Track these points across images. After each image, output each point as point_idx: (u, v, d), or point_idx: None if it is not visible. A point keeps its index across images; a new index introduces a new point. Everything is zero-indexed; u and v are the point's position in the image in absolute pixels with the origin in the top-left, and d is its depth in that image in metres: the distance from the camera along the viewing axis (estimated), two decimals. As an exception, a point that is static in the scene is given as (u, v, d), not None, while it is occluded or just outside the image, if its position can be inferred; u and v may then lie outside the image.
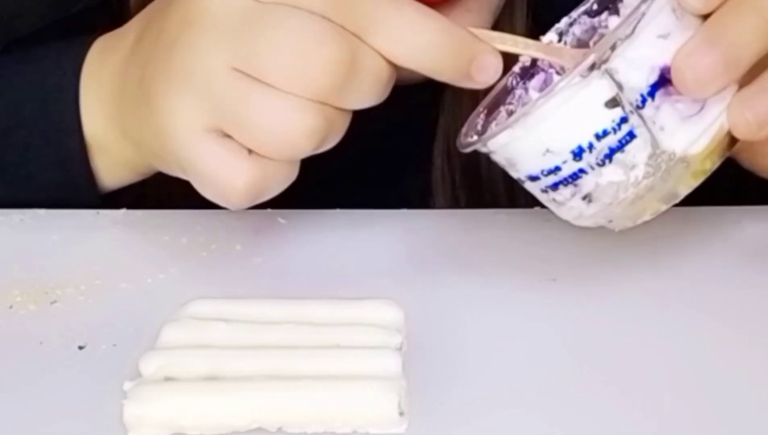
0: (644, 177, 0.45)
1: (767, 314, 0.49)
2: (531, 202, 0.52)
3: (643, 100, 0.44)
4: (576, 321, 0.49)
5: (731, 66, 0.44)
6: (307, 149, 0.47)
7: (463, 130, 0.50)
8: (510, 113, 0.50)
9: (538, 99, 0.44)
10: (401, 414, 0.41)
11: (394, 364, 0.42)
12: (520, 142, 0.45)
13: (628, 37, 0.43)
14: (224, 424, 0.41)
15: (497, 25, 0.62)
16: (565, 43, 0.51)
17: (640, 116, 0.44)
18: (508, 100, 0.51)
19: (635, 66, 0.43)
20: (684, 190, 0.46)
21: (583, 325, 0.48)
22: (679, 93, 0.44)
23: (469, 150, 0.48)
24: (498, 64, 0.47)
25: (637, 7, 0.43)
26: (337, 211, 0.60)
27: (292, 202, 0.62)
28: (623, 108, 0.44)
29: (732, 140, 0.46)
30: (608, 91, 0.43)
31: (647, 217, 0.47)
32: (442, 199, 0.69)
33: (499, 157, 0.47)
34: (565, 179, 0.46)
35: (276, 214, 0.60)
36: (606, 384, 0.44)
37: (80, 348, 0.47)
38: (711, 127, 0.45)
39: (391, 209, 0.60)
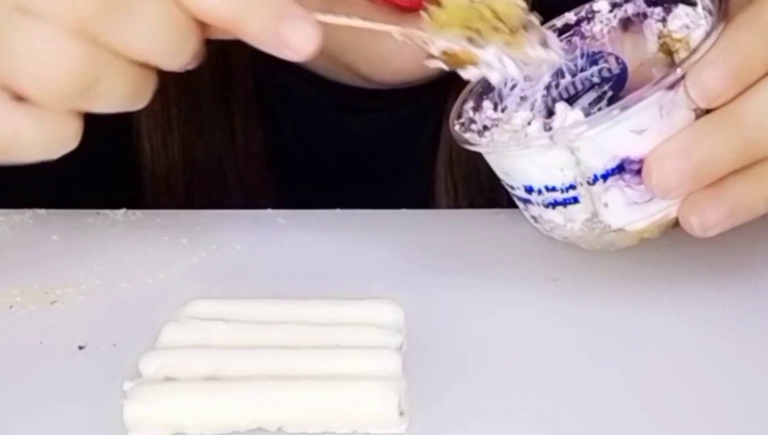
0: (579, 231, 0.47)
1: None
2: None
3: (595, 179, 0.45)
4: (576, 321, 0.49)
5: (699, 178, 0.44)
6: (67, 86, 0.42)
7: (458, 102, 0.50)
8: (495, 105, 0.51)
9: (506, 141, 0.47)
10: (401, 414, 0.41)
11: (393, 364, 0.42)
12: (489, 156, 0.48)
13: (605, 122, 0.43)
14: (224, 424, 0.41)
15: None
16: (615, 16, 0.51)
17: (588, 190, 0.45)
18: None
19: (598, 151, 0.44)
20: (621, 246, 0.48)
21: (583, 325, 0.48)
22: (633, 182, 0.45)
23: (455, 135, 0.49)
24: (314, 33, 0.43)
25: (626, 102, 0.43)
26: (337, 211, 0.60)
27: (292, 202, 0.62)
28: (574, 178, 0.45)
29: (678, 222, 0.46)
30: (565, 161, 0.45)
31: (584, 247, 0.49)
32: (444, 207, 0.69)
33: None
34: (517, 197, 0.48)
35: (276, 214, 0.60)
36: (605, 384, 0.44)
37: (80, 348, 0.47)
38: (655, 215, 0.46)
39: (391, 209, 0.60)
